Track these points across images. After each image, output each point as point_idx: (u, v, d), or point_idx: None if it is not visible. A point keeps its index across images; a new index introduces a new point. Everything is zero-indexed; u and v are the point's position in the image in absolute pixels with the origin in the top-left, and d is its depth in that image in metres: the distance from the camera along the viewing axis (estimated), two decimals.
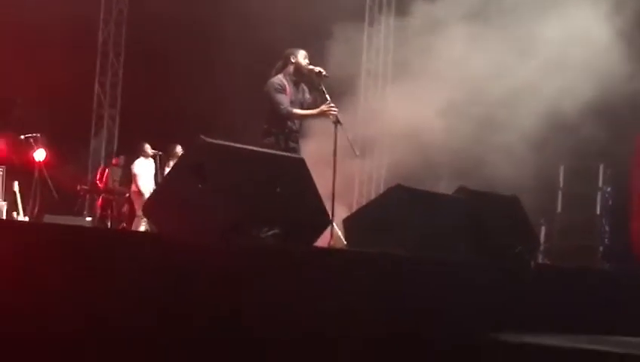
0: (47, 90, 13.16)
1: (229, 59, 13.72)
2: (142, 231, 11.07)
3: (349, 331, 4.50)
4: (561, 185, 13.30)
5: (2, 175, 11.70)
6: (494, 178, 10.38)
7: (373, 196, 13.23)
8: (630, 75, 10.75)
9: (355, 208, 7.33)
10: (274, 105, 7.52)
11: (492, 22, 11.36)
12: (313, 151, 7.74)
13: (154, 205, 5.39)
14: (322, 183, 6.12)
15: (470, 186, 6.82)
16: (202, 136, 5.01)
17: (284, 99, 7.51)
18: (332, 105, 7.52)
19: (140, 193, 12.96)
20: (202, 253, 4.10)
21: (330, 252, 5.74)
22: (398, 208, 5.92)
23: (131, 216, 13.36)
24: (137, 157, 13.32)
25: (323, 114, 7.55)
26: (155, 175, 13.21)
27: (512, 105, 11.17)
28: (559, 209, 13.25)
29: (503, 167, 10.83)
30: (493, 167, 10.89)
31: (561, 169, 13.26)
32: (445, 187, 9.64)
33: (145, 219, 11.40)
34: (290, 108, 7.52)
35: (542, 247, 11.90)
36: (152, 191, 12.64)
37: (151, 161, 13.35)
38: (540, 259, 11.27)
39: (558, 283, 6.37)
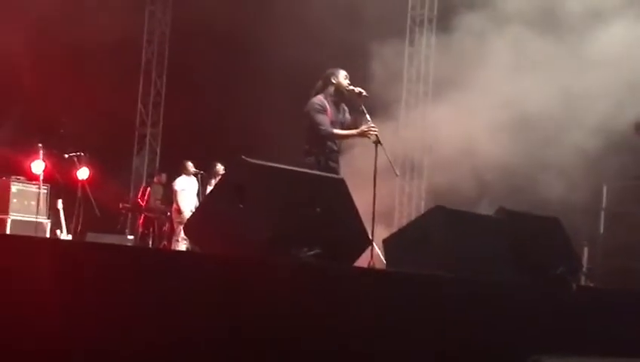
0: (91, 109, 13.34)
1: (271, 78, 13.80)
2: (183, 251, 11.13)
3: (387, 351, 4.49)
4: (604, 205, 13.14)
5: (47, 193, 11.85)
6: (536, 198, 10.29)
7: (413, 217, 13.18)
8: None
9: (395, 229, 7.31)
10: (314, 126, 7.54)
11: (542, 34, 11.29)
12: (354, 171, 7.73)
13: (195, 224, 5.42)
14: (362, 203, 6.11)
15: (511, 207, 6.77)
16: (243, 156, 5.04)
17: (324, 120, 7.53)
18: (372, 125, 7.51)
19: (179, 211, 13.04)
20: (244, 271, 4.11)
21: (370, 272, 5.72)
22: (438, 229, 5.90)
23: (172, 234, 13.44)
24: (179, 175, 13.41)
25: (363, 134, 7.54)
26: (198, 194, 13.28)
27: (557, 123, 11.08)
28: (602, 230, 13.09)
29: (545, 188, 10.75)
30: (535, 187, 10.81)
31: (605, 188, 13.11)
32: (486, 208, 9.59)
33: (186, 238, 11.45)
34: (330, 129, 7.54)
35: (584, 269, 11.76)
36: (192, 209, 12.72)
37: (193, 179, 13.42)
38: (582, 281, 11.14)
39: (601, 305, 6.29)
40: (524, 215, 6.89)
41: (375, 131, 7.49)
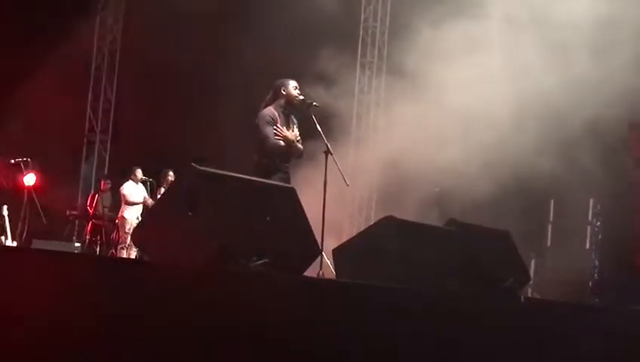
0: (39, 115, 13.16)
1: (224, 87, 13.75)
2: (129, 258, 11.02)
3: (334, 359, 4.47)
4: (551, 218, 13.31)
5: None
6: (484, 210, 10.38)
7: (363, 227, 13.22)
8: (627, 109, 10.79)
9: (345, 238, 7.32)
10: (262, 138, 7.50)
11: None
12: (304, 181, 7.72)
13: (144, 232, 5.37)
14: (312, 213, 6.10)
15: (461, 219, 6.81)
16: (193, 164, 5.01)
17: (271, 132, 7.49)
18: (295, 133, 7.54)
19: (126, 218, 12.95)
20: (190, 280, 4.07)
21: (319, 282, 5.70)
22: (389, 239, 5.90)
23: (119, 242, 13.31)
24: (126, 181, 13.30)
25: (290, 144, 7.52)
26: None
27: (501, 134, 11.17)
28: (549, 243, 13.26)
29: (492, 200, 10.83)
30: (483, 198, 10.89)
31: (552, 203, 13.28)
32: (436, 219, 9.63)
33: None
34: (275, 142, 7.48)
35: (531, 281, 11.89)
36: (138, 217, 12.62)
37: (141, 186, 13.32)
38: (529, 293, 11.25)
39: (548, 317, 6.35)
40: (475, 227, 6.94)
41: (292, 138, 7.50)
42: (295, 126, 7.74)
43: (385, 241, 5.90)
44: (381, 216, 6.38)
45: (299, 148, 7.62)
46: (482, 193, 11.01)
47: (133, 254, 11.96)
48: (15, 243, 11.32)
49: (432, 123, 11.66)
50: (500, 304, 6.08)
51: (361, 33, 15.46)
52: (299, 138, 7.64)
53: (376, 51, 15.43)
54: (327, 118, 8.66)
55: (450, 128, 11.60)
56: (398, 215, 6.22)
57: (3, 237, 11.43)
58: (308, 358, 4.37)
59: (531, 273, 12.24)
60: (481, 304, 5.75)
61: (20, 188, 11.85)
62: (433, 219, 9.66)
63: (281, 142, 7.49)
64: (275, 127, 7.46)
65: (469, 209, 10.80)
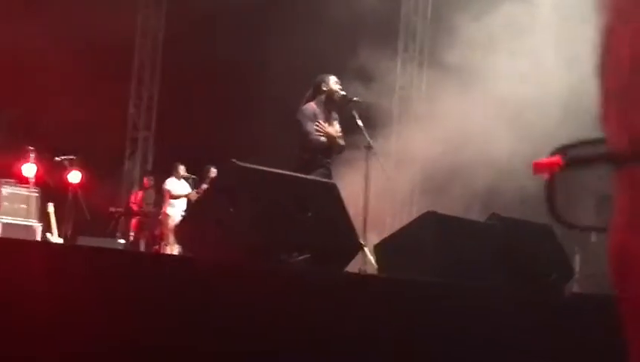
0: (84, 113, 13.30)
1: (265, 81, 13.78)
2: (172, 254, 11.10)
3: (378, 357, 4.47)
4: None
5: (37, 197, 11.82)
6: (527, 206, 10.28)
7: (405, 222, 13.17)
8: None
9: (386, 234, 7.31)
10: (303, 134, 7.50)
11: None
12: (345, 176, 7.72)
13: (186, 228, 5.41)
14: (354, 208, 6.10)
15: (505, 214, 6.76)
16: (234, 160, 5.03)
17: (312, 128, 7.49)
18: (337, 128, 7.52)
19: (169, 214, 13.05)
20: (231, 276, 4.09)
21: (361, 277, 5.71)
22: (430, 234, 5.89)
23: (163, 238, 13.42)
24: (169, 177, 13.40)
25: (332, 140, 7.51)
26: (189, 199, 13.27)
27: (550, 127, 11.05)
28: (593, 237, 13.11)
29: (537, 196, 10.72)
30: (529, 192, 10.78)
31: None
32: (478, 214, 9.57)
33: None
34: (317, 137, 7.49)
35: (576, 276, 11.77)
36: (182, 213, 12.71)
37: (183, 182, 13.41)
38: (574, 288, 11.14)
39: (593, 312, 6.28)
40: (516, 221, 6.89)
41: (334, 134, 7.48)
42: (336, 121, 7.73)
43: (426, 236, 5.88)
44: (423, 211, 6.36)
45: (340, 144, 7.61)
46: (528, 187, 10.89)
47: (176, 250, 12.05)
48: (61, 240, 11.48)
49: (475, 116, 11.59)
50: (543, 299, 6.04)
51: (401, 27, 15.39)
52: (340, 133, 7.63)
53: (417, 45, 15.36)
54: (368, 113, 8.64)
55: (495, 121, 11.50)
56: (440, 210, 6.21)
57: (49, 234, 11.60)
58: (349, 355, 4.37)
59: (576, 268, 12.12)
60: (523, 299, 5.71)
61: (65, 185, 12.01)
62: (476, 214, 9.60)
63: (323, 138, 7.49)
64: (316, 122, 7.47)
65: (514, 203, 10.70)
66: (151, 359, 3.66)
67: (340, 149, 7.65)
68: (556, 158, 0.94)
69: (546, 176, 0.97)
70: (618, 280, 0.92)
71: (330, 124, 7.59)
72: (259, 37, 14.29)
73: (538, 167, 0.95)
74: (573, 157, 0.94)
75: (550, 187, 0.96)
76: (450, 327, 4.92)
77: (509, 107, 11.40)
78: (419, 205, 14.18)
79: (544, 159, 0.95)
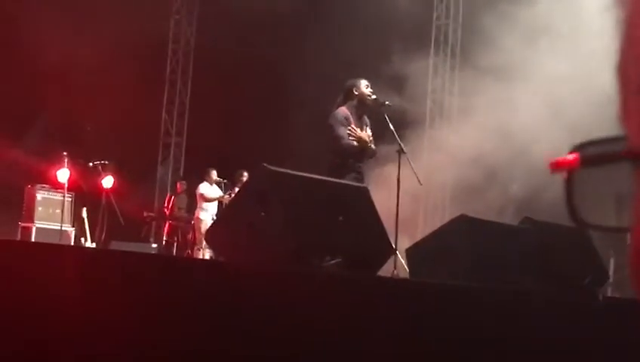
0: (116, 118, 13.41)
1: (296, 85, 13.80)
2: (204, 259, 11.14)
3: (410, 358, 4.45)
4: None
5: (71, 201, 11.93)
6: (560, 209, 10.19)
7: (437, 226, 13.13)
8: None
9: (418, 238, 7.29)
10: (335, 138, 7.47)
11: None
12: (377, 180, 7.70)
13: (217, 232, 5.42)
14: (386, 212, 6.09)
15: (536, 217, 6.71)
16: (266, 165, 5.03)
17: (344, 133, 7.46)
18: (368, 133, 7.48)
19: (201, 219, 13.12)
20: (263, 280, 4.10)
21: (393, 281, 5.69)
22: (462, 238, 5.85)
23: (195, 243, 13.49)
24: (202, 182, 13.47)
25: (364, 145, 7.47)
26: (220, 202, 13.32)
27: (584, 132, 10.95)
28: (629, 240, 12.96)
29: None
30: (559, 197, 10.68)
31: None
32: (511, 218, 9.52)
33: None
34: (349, 142, 7.46)
35: (611, 280, 11.64)
36: (214, 217, 12.76)
37: (215, 187, 13.47)
38: (609, 292, 11.03)
39: (628, 316, 6.22)
40: (550, 224, 6.83)
41: (366, 139, 7.45)
42: (367, 127, 7.72)
43: (458, 240, 5.85)
44: (455, 214, 6.33)
45: (372, 149, 7.59)
46: (557, 189, 10.78)
47: (208, 255, 12.09)
48: (94, 245, 11.57)
49: (508, 119, 11.51)
50: (577, 303, 5.99)
51: (433, 31, 15.34)
52: (372, 138, 7.62)
53: (449, 49, 15.30)
54: (399, 117, 8.62)
55: (529, 123, 11.42)
56: (472, 213, 6.18)
57: (83, 239, 11.70)
58: (382, 358, 4.36)
59: (611, 272, 11.99)
60: (557, 302, 5.66)
61: (98, 190, 12.11)
62: (509, 218, 9.54)
63: (355, 143, 7.47)
64: (348, 127, 7.45)
65: (547, 207, 10.61)
66: None
67: (372, 154, 7.63)
68: (574, 157, 0.92)
69: (564, 175, 0.95)
70: (639, 281, 0.90)
71: (362, 128, 7.58)
72: (290, 42, 14.32)
73: (556, 166, 0.94)
74: (591, 155, 0.92)
75: (569, 186, 0.94)
76: (482, 331, 4.89)
77: (544, 108, 11.32)
78: (451, 209, 14.12)
79: (561, 158, 0.94)
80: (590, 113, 10.69)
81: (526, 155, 11.09)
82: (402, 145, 7.49)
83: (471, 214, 6.16)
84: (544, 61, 11.45)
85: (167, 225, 14.72)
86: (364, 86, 7.65)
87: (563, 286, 6.18)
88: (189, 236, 14.07)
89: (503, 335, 4.97)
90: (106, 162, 12.29)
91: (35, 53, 13.01)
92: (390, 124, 7.58)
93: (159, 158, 16.84)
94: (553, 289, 6.04)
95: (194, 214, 13.68)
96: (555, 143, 10.88)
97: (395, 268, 6.88)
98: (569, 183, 0.94)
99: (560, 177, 0.98)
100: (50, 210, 11.79)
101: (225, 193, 13.25)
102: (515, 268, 5.96)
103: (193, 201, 13.97)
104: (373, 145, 7.60)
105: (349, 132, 7.44)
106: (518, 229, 6.53)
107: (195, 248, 13.12)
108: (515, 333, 5.04)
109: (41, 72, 13.07)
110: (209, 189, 13.42)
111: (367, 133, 7.57)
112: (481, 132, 11.88)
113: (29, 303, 3.38)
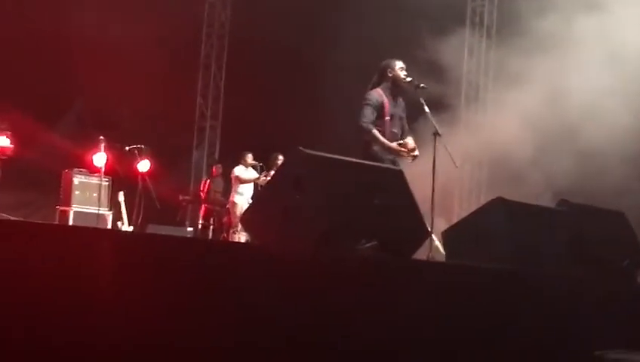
0: (151, 103, 13.47)
1: (332, 68, 13.76)
2: (241, 243, 11.18)
3: (448, 344, 4.45)
4: None
5: (108, 185, 12.02)
6: (598, 192, 10.09)
7: (472, 209, 13.05)
8: None
9: (454, 221, 7.25)
10: (358, 117, 7.41)
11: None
12: (413, 163, 7.65)
13: (252, 216, 5.42)
14: (421, 195, 6.06)
15: (572, 200, 6.65)
16: (300, 148, 5.02)
17: (369, 114, 7.39)
18: (412, 150, 7.40)
19: (236, 202, 13.16)
20: (298, 263, 4.10)
21: (429, 264, 5.68)
22: (498, 221, 5.81)
23: (231, 226, 13.53)
24: (237, 165, 13.50)
25: (397, 153, 7.40)
26: (256, 186, 13.35)
27: (616, 116, 10.81)
28: None
29: (607, 182, 10.52)
30: (597, 181, 10.59)
31: None
32: (549, 200, 9.43)
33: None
34: (370, 126, 7.38)
35: None
36: (249, 201, 12.79)
37: (251, 170, 13.49)
38: None
39: None
40: (587, 207, 6.77)
41: (411, 154, 7.37)
42: (403, 108, 7.65)
43: (494, 223, 5.81)
44: (491, 197, 6.29)
45: (411, 156, 7.46)
46: (603, 174, 10.65)
47: (244, 238, 12.13)
48: (131, 228, 11.66)
49: (546, 104, 11.40)
50: (615, 286, 5.94)
51: (468, 13, 15.20)
52: (414, 146, 7.47)
53: (484, 31, 15.15)
54: (435, 100, 8.56)
55: (565, 107, 11.31)
56: (508, 196, 6.13)
57: (120, 223, 11.79)
58: (420, 341, 4.35)
59: None
60: (595, 285, 5.62)
61: (134, 174, 12.18)
62: (546, 202, 9.46)
63: (374, 132, 7.35)
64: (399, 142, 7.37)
65: (583, 190, 10.51)
66: (217, 347, 3.68)
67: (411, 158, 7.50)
68: None
69: None
70: None
71: (393, 119, 7.46)
72: (324, 25, 14.27)
73: None
74: None
75: None
76: (519, 314, 4.86)
77: (581, 93, 11.19)
78: (487, 192, 14.04)
79: None
80: (629, 102, 10.57)
81: (560, 139, 11.00)
82: (438, 127, 7.43)
83: (507, 197, 6.12)
84: (579, 45, 11.28)
85: (202, 208, 14.79)
86: (398, 68, 7.60)
87: (601, 269, 6.12)
88: (225, 219, 14.12)
89: (537, 318, 4.94)
90: (142, 146, 12.35)
91: (71, 38, 13.10)
92: (425, 107, 7.53)
93: (194, 142, 16.90)
94: (590, 272, 5.99)
95: (229, 198, 13.72)
96: (585, 128, 10.76)
97: (430, 250, 6.86)
98: None
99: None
100: (87, 194, 11.90)
101: (260, 175, 13.27)
102: (551, 251, 5.91)
103: (229, 185, 14.01)
104: (415, 153, 7.44)
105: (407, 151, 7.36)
106: (554, 211, 6.47)
107: (231, 231, 13.16)
108: (551, 316, 5.01)
109: (77, 57, 13.15)
110: (244, 172, 13.45)
111: (411, 145, 7.45)
112: (515, 115, 11.78)
113: (67, 286, 3.41)
